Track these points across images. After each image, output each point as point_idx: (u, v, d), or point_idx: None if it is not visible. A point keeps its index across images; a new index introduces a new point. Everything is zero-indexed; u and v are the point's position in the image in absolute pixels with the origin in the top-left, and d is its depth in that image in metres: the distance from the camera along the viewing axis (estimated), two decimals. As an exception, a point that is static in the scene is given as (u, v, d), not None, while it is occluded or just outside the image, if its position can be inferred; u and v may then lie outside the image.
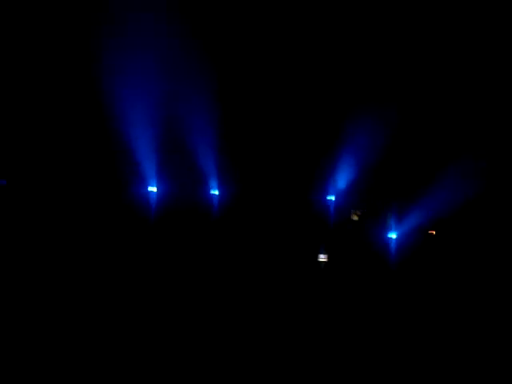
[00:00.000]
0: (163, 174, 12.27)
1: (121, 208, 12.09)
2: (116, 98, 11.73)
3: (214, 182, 12.41)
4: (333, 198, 12.29)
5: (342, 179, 12.33)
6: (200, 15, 12.09)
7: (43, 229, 11.57)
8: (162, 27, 11.78)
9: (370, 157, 12.17)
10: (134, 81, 11.79)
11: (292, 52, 12.47)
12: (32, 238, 11.39)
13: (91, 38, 11.53)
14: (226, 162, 12.41)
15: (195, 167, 12.33)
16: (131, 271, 11.33)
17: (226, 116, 12.34)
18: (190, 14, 11.90)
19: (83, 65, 11.79)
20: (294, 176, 12.36)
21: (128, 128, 11.95)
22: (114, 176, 12.19)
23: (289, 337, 9.92)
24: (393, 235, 11.95)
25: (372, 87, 12.31)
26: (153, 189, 12.20)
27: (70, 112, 12.09)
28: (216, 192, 12.38)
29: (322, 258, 11.80)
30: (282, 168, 12.36)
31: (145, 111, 12.01)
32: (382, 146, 12.09)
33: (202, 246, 11.95)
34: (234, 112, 12.45)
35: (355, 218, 12.34)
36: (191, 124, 12.24)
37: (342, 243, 12.07)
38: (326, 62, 12.55)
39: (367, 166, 12.22)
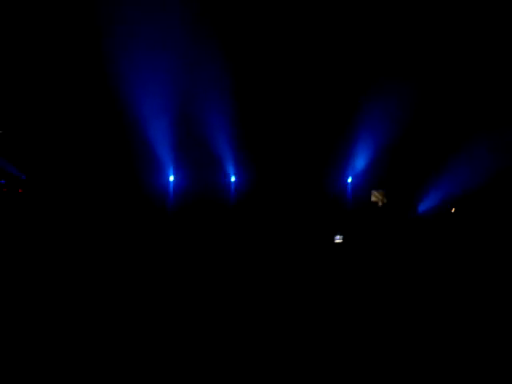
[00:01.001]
0: (181, 163, 12.32)
1: (141, 197, 12.17)
2: (135, 90, 11.80)
3: (231, 169, 12.41)
4: (350, 179, 12.18)
5: (361, 160, 12.22)
6: (216, 12, 12.08)
7: (66, 218, 11.69)
8: (180, 24, 11.79)
9: (390, 135, 12.02)
10: (153, 73, 11.85)
11: (308, 32, 12.35)
12: (54, 226, 11.51)
13: (111, 36, 11.60)
14: (242, 147, 12.38)
15: (212, 154, 12.34)
16: (152, 257, 11.39)
17: (241, 101, 12.31)
18: (207, 11, 11.91)
19: (103, 59, 11.85)
20: (312, 158, 12.27)
21: (146, 119, 12.02)
22: (133, 166, 12.27)
23: (305, 319, 9.87)
24: (412, 214, 11.81)
25: (390, 64, 12.12)
26: (171, 178, 12.26)
27: (91, 106, 12.19)
28: (233, 178, 12.37)
29: (338, 239, 11.68)
30: (299, 151, 12.29)
31: (163, 102, 12.06)
32: (400, 124, 11.92)
33: (221, 232, 11.96)
34: (250, 97, 12.42)
35: (375, 198, 12.21)
36: (208, 113, 12.25)
37: (361, 224, 11.95)
38: (343, 42, 12.40)
39: (386, 145, 12.07)
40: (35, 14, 11.71)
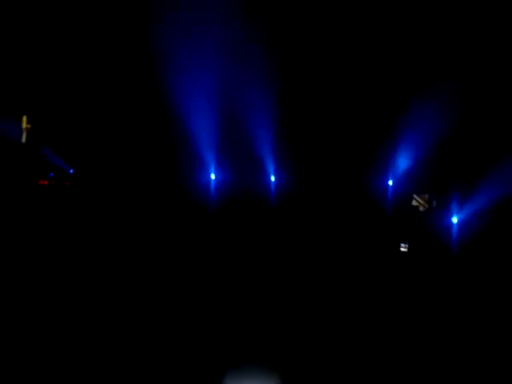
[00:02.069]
0: (222, 162, 12.44)
1: (182, 195, 12.36)
2: (177, 88, 12.01)
3: (272, 169, 12.43)
4: (391, 182, 11.95)
5: (403, 163, 11.98)
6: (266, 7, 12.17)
7: (109, 215, 11.98)
8: (225, 17, 11.92)
9: (432, 139, 11.75)
10: (196, 70, 12.03)
11: (354, 31, 12.28)
12: (98, 223, 11.82)
13: (153, 29, 11.86)
14: (283, 147, 12.39)
15: (253, 154, 12.41)
16: (194, 257, 11.52)
17: (284, 100, 12.34)
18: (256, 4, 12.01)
19: (145, 55, 12.14)
20: (353, 160, 12.14)
21: (188, 117, 12.21)
22: (175, 164, 12.48)
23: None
24: (456, 219, 11.46)
25: (435, 65, 11.87)
26: (212, 176, 12.40)
27: (133, 103, 12.48)
28: (273, 178, 12.39)
29: (403, 247, 11.47)
30: (340, 153, 12.18)
31: (205, 100, 12.22)
32: (443, 127, 11.63)
33: (262, 233, 11.98)
34: (293, 95, 12.42)
35: (416, 203, 11.95)
36: (249, 112, 12.33)
37: (404, 229, 11.72)
38: (386, 45, 12.26)
39: (429, 148, 11.80)
40: (89, 11, 12.13)
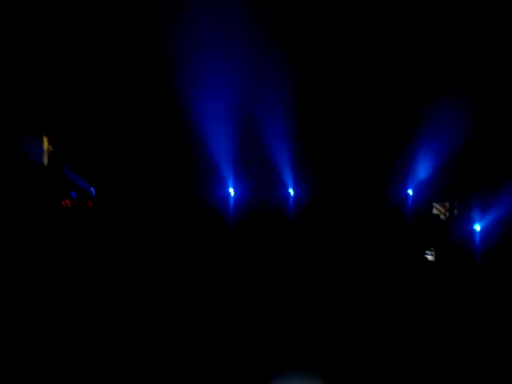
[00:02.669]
0: (240, 176, 12.49)
1: (201, 209, 12.43)
2: (196, 105, 12.09)
3: (290, 181, 12.43)
4: (411, 191, 11.86)
5: (422, 171, 11.88)
6: (281, 15, 12.18)
7: (131, 230, 12.12)
8: (239, 27, 11.94)
9: (452, 147, 11.62)
10: (213, 84, 12.08)
11: (370, 40, 12.22)
12: (120, 238, 11.97)
13: (171, 40, 11.90)
14: (301, 157, 12.38)
15: (271, 167, 12.43)
16: (212, 269, 11.58)
17: (302, 113, 12.33)
18: (271, 13, 12.02)
19: (162, 69, 12.21)
20: (372, 169, 12.08)
21: (206, 130, 12.28)
22: (193, 178, 12.57)
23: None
24: (478, 227, 11.32)
25: (452, 74, 11.76)
26: (231, 190, 12.46)
27: (152, 117, 12.58)
28: (291, 191, 12.39)
29: (429, 255, 11.39)
30: (360, 163, 12.13)
31: (223, 114, 12.27)
32: (462, 135, 11.51)
33: (281, 245, 11.99)
34: (309, 108, 12.41)
35: (437, 211, 11.83)
36: (267, 125, 12.35)
37: (424, 238, 11.61)
38: (403, 55, 12.19)
39: (449, 156, 11.68)
40: (100, 16, 12.21)
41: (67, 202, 12.15)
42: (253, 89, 12.19)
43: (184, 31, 11.86)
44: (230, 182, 12.48)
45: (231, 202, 12.46)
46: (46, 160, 12.21)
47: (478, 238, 11.33)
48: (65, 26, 12.10)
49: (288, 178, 12.42)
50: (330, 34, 12.33)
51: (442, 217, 11.86)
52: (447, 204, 11.86)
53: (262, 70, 12.22)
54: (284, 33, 12.07)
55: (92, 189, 12.45)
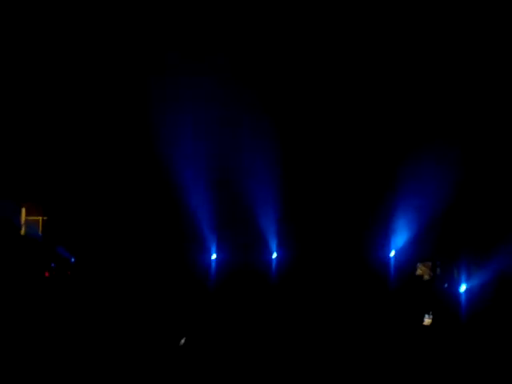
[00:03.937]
0: (223, 241, 12.43)
1: (185, 277, 12.30)
2: (180, 174, 12.09)
3: (273, 246, 12.40)
4: (393, 253, 11.88)
5: (404, 233, 11.93)
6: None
7: (112, 297, 11.92)
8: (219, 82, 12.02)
9: (433, 208, 11.70)
10: (194, 145, 12.13)
11: (347, 100, 12.39)
12: (101, 307, 11.75)
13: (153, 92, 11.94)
14: (283, 223, 12.39)
15: (254, 232, 12.40)
16: (195, 333, 11.40)
17: (284, 175, 12.38)
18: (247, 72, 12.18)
19: (145, 141, 12.22)
20: (353, 233, 12.09)
21: (188, 195, 12.25)
22: (177, 244, 12.48)
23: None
24: (463, 288, 11.30)
25: (436, 133, 11.86)
26: (213, 256, 12.37)
27: (135, 183, 12.54)
28: (275, 255, 12.34)
29: (427, 319, 11.26)
30: (340, 227, 12.15)
31: (205, 179, 12.28)
32: (444, 195, 11.58)
33: (263, 310, 11.86)
34: (292, 172, 12.47)
35: (421, 272, 11.84)
36: (249, 188, 12.37)
37: (408, 299, 11.55)
38: (382, 110, 12.33)
39: (431, 217, 11.75)
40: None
41: (46, 273, 11.95)
42: (235, 153, 12.27)
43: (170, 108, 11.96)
44: (213, 246, 12.42)
45: (213, 266, 12.35)
46: (23, 230, 12.06)
47: (462, 297, 11.32)
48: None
49: (271, 241, 12.40)
50: (318, 88, 12.46)
51: (425, 277, 11.86)
52: (430, 263, 11.88)
53: (243, 132, 12.33)
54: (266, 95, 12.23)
55: (72, 258, 12.29)
